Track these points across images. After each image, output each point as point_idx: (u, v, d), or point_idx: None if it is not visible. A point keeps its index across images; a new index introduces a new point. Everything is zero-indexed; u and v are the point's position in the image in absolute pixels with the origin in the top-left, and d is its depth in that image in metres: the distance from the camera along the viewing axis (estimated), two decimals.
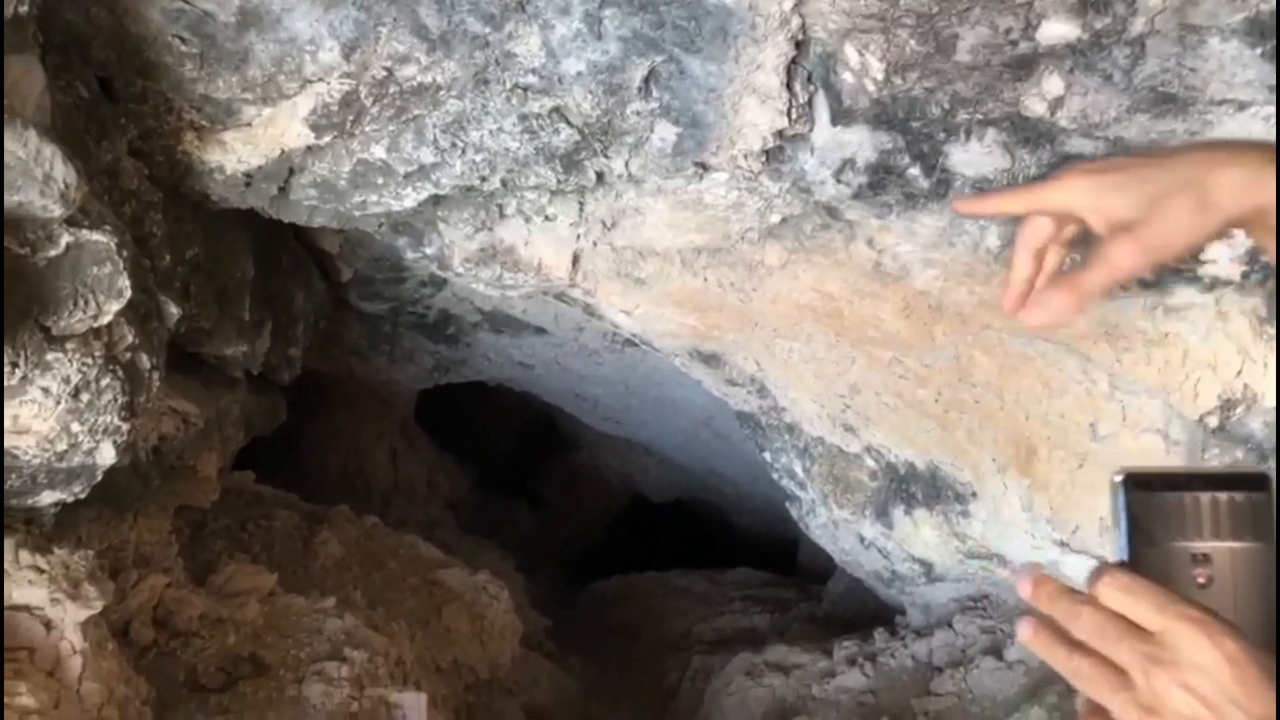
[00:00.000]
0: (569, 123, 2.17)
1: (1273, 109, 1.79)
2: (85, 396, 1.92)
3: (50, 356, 1.82)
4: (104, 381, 1.96)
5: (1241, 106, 1.81)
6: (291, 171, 2.40)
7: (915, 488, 3.42)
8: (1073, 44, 1.77)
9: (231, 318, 3.10)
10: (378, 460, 6.44)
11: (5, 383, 1.73)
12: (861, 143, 2.16)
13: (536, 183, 2.38)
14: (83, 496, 2.16)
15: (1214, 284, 2.25)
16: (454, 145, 2.25)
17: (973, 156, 2.12)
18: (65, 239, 1.78)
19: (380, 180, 2.37)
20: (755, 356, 3.34)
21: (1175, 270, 2.25)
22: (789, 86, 2.03)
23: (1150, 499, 0.82)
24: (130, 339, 2.05)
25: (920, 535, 3.52)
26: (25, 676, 1.93)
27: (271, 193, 2.47)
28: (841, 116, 2.08)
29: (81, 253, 1.81)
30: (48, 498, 2.09)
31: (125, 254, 1.90)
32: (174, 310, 2.35)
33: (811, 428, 3.63)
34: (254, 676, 2.76)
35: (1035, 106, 1.95)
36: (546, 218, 2.67)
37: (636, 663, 5.45)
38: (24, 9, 1.65)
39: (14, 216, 1.68)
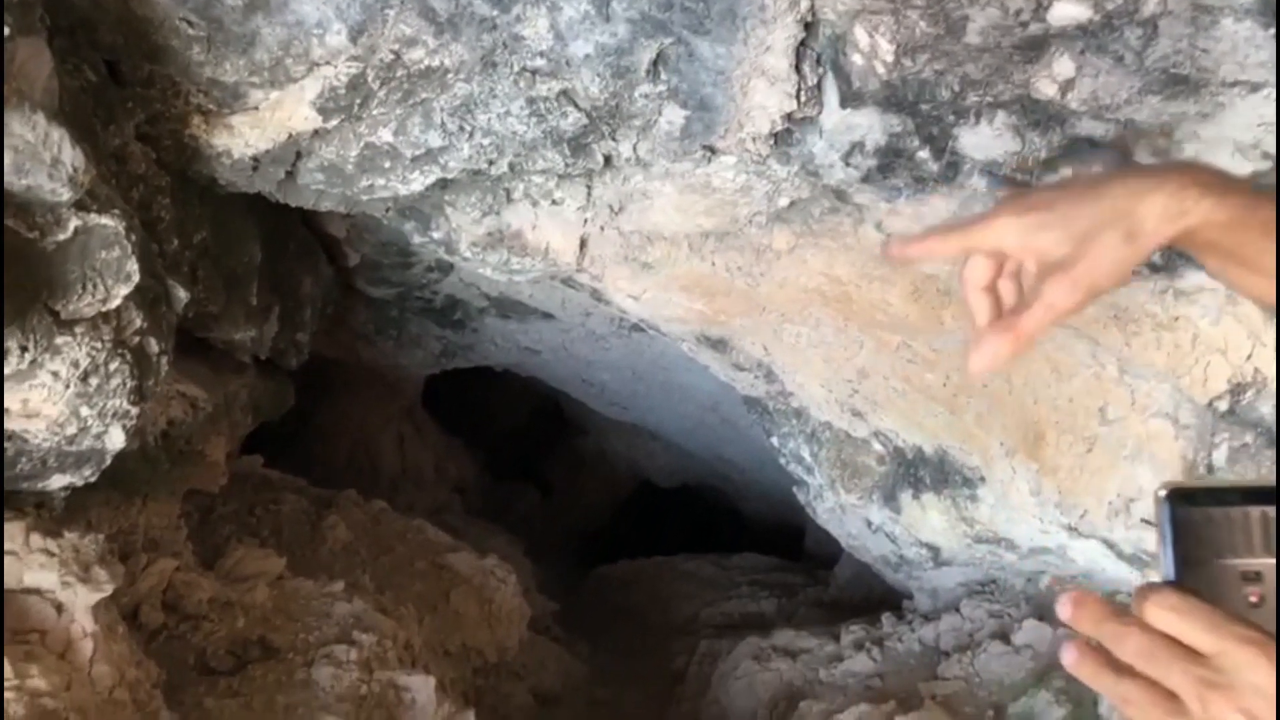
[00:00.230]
0: (577, 106, 2.16)
1: None
2: (94, 380, 1.92)
3: (59, 340, 1.82)
4: (113, 365, 1.96)
5: (1254, 88, 1.79)
6: (299, 155, 2.39)
7: (923, 472, 3.42)
8: (1084, 25, 1.75)
9: (239, 302, 3.10)
10: (385, 445, 6.45)
11: (15, 367, 1.73)
12: (871, 125, 2.15)
13: (544, 166, 2.37)
14: (92, 480, 2.17)
15: None
16: (461, 129, 2.24)
17: (982, 139, 2.11)
18: (74, 223, 1.78)
19: (387, 164, 2.37)
20: (763, 341, 3.33)
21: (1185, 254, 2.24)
22: (798, 69, 2.02)
23: (1196, 514, 0.78)
24: (139, 323, 2.05)
25: (928, 520, 3.52)
26: (37, 659, 1.94)
27: (279, 177, 2.47)
28: (851, 99, 2.07)
29: (90, 237, 1.81)
30: (58, 481, 2.10)
31: (133, 238, 1.90)
32: (182, 294, 2.36)
33: (819, 412, 3.63)
34: (263, 659, 2.78)
35: (1046, 89, 1.93)
36: (554, 202, 2.66)
37: (643, 647, 5.47)
38: None
39: (22, 200, 1.68)
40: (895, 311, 2.85)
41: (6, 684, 1.83)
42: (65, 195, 1.72)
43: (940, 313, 2.80)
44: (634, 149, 2.30)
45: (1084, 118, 1.97)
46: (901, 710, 3.07)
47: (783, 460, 4.05)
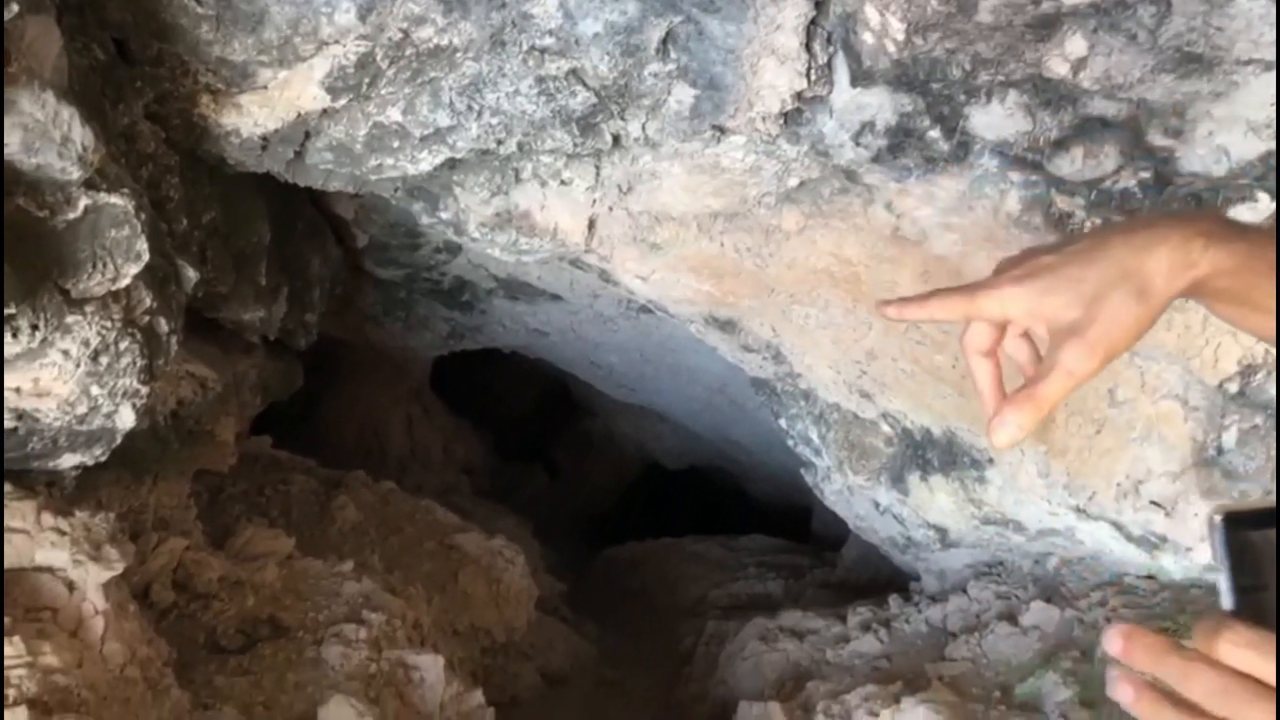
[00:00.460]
0: (586, 85, 2.15)
1: None
2: (104, 359, 1.93)
3: (70, 319, 1.83)
4: (123, 345, 1.97)
5: (1268, 66, 1.78)
6: (307, 135, 2.39)
7: (931, 454, 3.42)
8: (1096, 3, 1.74)
9: (248, 282, 3.11)
10: (393, 426, 6.47)
11: (26, 345, 1.73)
12: (881, 105, 2.14)
13: (553, 146, 2.37)
14: (103, 460, 2.18)
15: None
16: (470, 108, 2.24)
17: (993, 119, 2.10)
18: (83, 202, 1.78)
19: (396, 143, 2.36)
20: (771, 322, 3.33)
21: None
22: (808, 47, 2.01)
23: (1254, 538, 0.74)
24: (148, 302, 2.05)
25: (936, 501, 3.52)
26: (49, 636, 1.95)
27: (288, 156, 2.46)
28: (861, 78, 2.06)
29: (100, 215, 1.82)
30: (68, 460, 2.11)
31: (143, 217, 1.90)
32: (192, 274, 2.36)
33: (827, 394, 3.63)
34: (273, 638, 2.79)
35: (1058, 68, 1.92)
36: (562, 182, 2.66)
37: (651, 627, 5.49)
38: None
39: (32, 179, 1.68)
40: (905, 292, 2.85)
41: (19, 661, 1.84)
42: (75, 174, 1.72)
43: None
44: (643, 129, 2.29)
45: (1096, 97, 1.96)
46: (908, 691, 3.08)
47: (790, 442, 4.05)
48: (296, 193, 3.17)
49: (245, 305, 3.16)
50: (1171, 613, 2.91)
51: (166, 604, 2.72)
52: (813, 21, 1.97)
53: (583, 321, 4.92)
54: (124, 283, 1.91)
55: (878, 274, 2.82)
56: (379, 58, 2.11)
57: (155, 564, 2.71)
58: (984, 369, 1.00)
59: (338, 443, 5.95)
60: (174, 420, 2.99)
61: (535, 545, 5.93)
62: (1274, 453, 2.47)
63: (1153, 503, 2.73)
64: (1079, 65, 1.89)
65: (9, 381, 1.82)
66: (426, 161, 2.42)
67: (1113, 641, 0.76)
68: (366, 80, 2.17)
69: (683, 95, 2.16)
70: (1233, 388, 2.47)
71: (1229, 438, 2.53)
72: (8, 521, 2.02)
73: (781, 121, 2.21)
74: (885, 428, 3.57)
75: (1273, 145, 1.93)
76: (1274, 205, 2.03)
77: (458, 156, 2.42)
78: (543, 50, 2.07)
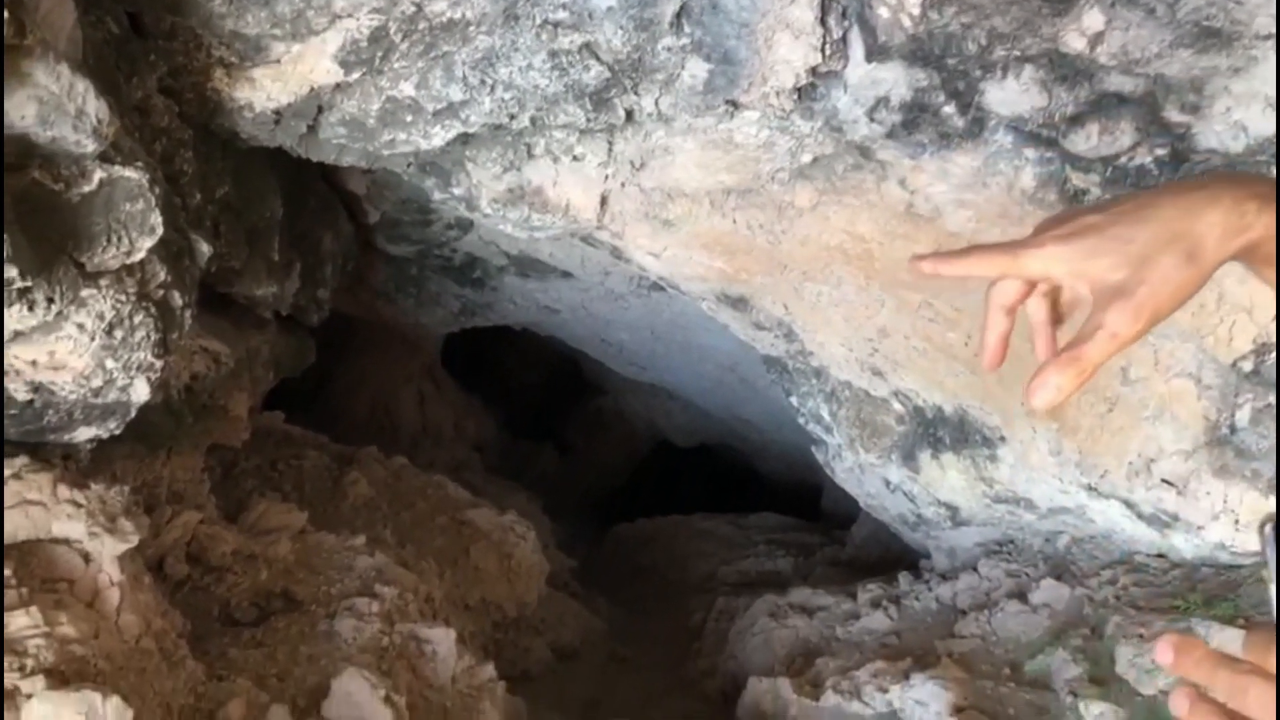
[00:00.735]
0: (599, 59, 2.14)
1: None
2: (119, 333, 1.93)
3: (85, 293, 1.83)
4: (137, 318, 1.97)
5: None
6: (320, 109, 2.39)
7: (943, 432, 3.41)
8: None
9: (261, 258, 3.11)
10: (405, 403, 6.49)
11: (42, 318, 1.74)
12: (896, 80, 2.13)
13: (565, 121, 2.36)
14: (117, 433, 2.19)
15: None
16: (483, 82, 2.23)
17: (1009, 94, 2.09)
18: (98, 175, 1.78)
19: (409, 118, 2.36)
20: (783, 300, 3.32)
21: None
22: (823, 22, 2.00)
23: None
24: (163, 276, 2.06)
25: (947, 479, 3.52)
26: (66, 607, 1.97)
27: (301, 130, 2.46)
28: (876, 53, 2.05)
29: (114, 189, 1.82)
30: (84, 434, 2.12)
31: (157, 191, 1.91)
32: (205, 248, 2.36)
33: (839, 372, 3.62)
34: (286, 611, 2.81)
35: (1074, 42, 1.91)
36: (575, 158, 2.65)
37: (661, 603, 5.51)
38: None
39: (48, 151, 1.69)
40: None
41: (37, 631, 1.86)
42: (90, 147, 1.72)
43: None
44: (656, 103, 2.28)
45: (1113, 72, 1.94)
46: (918, 667, 3.09)
47: (801, 420, 4.05)
48: (308, 168, 3.17)
49: (258, 281, 3.17)
50: (1182, 591, 2.91)
51: (180, 577, 2.75)
52: None
53: (594, 299, 4.92)
54: (138, 256, 1.92)
55: (891, 251, 2.81)
56: (392, 31, 2.10)
57: (169, 537, 2.73)
58: (1001, 324, 0.98)
59: (349, 419, 5.97)
60: (187, 395, 3.00)
61: (546, 522, 5.96)
62: None
63: (1164, 481, 2.73)
64: (1096, 40, 1.88)
65: (25, 355, 1.83)
66: (439, 136, 2.41)
67: (1164, 653, 0.74)
68: (379, 54, 2.17)
69: (696, 70, 2.15)
70: (1246, 366, 2.46)
71: (1242, 416, 2.52)
72: (26, 493, 2.04)
73: (795, 97, 2.20)
74: (897, 405, 3.56)
75: None
76: None
77: (470, 131, 2.41)
78: (556, 24, 2.06)
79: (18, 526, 2.01)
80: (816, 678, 3.35)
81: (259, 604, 2.84)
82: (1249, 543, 2.66)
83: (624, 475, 9.33)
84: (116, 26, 1.99)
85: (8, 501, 2.02)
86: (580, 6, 2.01)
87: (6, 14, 1.47)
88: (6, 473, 2.04)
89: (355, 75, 2.22)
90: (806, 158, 2.50)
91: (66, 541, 2.09)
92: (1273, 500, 2.55)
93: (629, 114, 2.35)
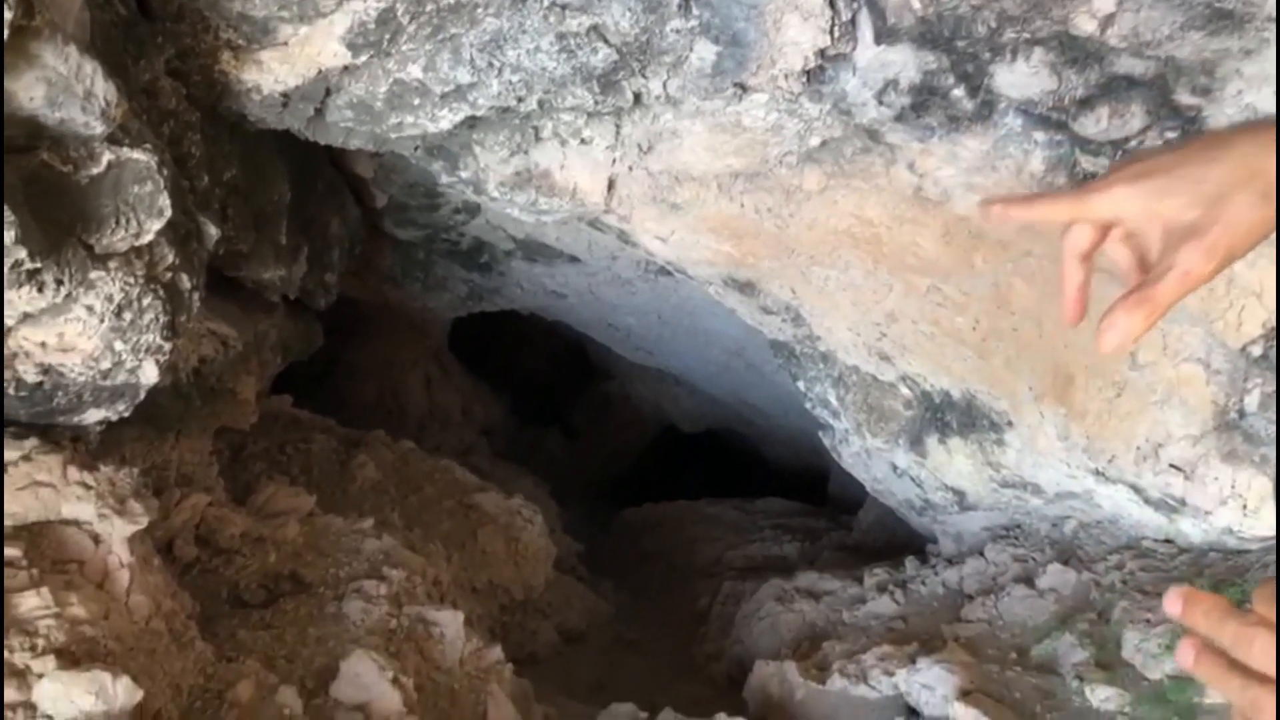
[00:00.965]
0: (607, 41, 2.14)
1: None
2: (128, 315, 1.94)
3: (94, 275, 1.84)
4: (146, 301, 1.98)
5: None
6: (328, 92, 2.39)
7: (950, 416, 3.41)
8: None
9: (269, 241, 3.11)
10: (412, 387, 6.50)
11: (51, 300, 1.75)
12: (905, 63, 2.12)
13: (573, 104, 2.36)
14: (126, 415, 2.20)
15: None
16: (490, 65, 2.23)
17: (1018, 77, 2.08)
18: (107, 157, 1.78)
19: (416, 101, 2.36)
20: (791, 284, 3.32)
21: None
22: (832, 3, 1.99)
23: None
24: (171, 259, 2.06)
25: (954, 464, 3.52)
26: (76, 588, 1.98)
27: (308, 113, 2.46)
28: (885, 35, 2.04)
29: (123, 171, 1.82)
30: (93, 416, 2.13)
31: (165, 173, 1.91)
32: (213, 231, 2.37)
33: (846, 356, 3.62)
34: (294, 593, 2.83)
35: (1085, 24, 1.90)
36: (582, 141, 2.65)
37: (668, 588, 5.53)
38: None
39: (56, 133, 1.69)
40: (926, 254, 2.83)
41: (47, 611, 1.87)
42: (98, 129, 1.72)
43: (971, 255, 2.77)
44: (664, 86, 2.28)
45: (1123, 55, 1.93)
46: (924, 651, 3.10)
47: (808, 404, 4.05)
48: (316, 152, 3.17)
49: (266, 264, 3.17)
50: (1189, 576, 2.91)
51: (189, 559, 2.76)
52: None
53: (601, 283, 4.91)
54: (147, 239, 1.92)
55: (899, 235, 2.81)
56: (400, 13, 2.10)
57: (178, 519, 2.75)
58: (1078, 273, 0.95)
59: (357, 402, 5.98)
60: (196, 378, 3.01)
61: (553, 506, 5.97)
62: None
63: (1172, 466, 2.73)
64: (1107, 22, 1.87)
65: (34, 337, 1.84)
66: (447, 119, 2.41)
67: (1172, 603, 0.75)
68: (387, 36, 2.16)
69: (705, 52, 2.15)
70: (1256, 351, 2.45)
71: (1251, 401, 2.51)
72: (36, 475, 2.05)
73: (804, 79, 2.19)
74: (904, 390, 3.56)
75: None
76: None
77: (478, 114, 2.41)
78: (564, 6, 2.06)
79: (28, 508, 2.03)
80: (823, 661, 3.36)
81: (267, 586, 2.86)
82: (1257, 528, 2.65)
83: (631, 460, 9.33)
84: (124, 8, 1.99)
85: (18, 483, 2.03)
86: None
87: None
88: (17, 455, 2.05)
89: (363, 58, 2.22)
90: (815, 141, 2.49)
91: (76, 523, 2.10)
92: None
93: (637, 97, 2.35)
